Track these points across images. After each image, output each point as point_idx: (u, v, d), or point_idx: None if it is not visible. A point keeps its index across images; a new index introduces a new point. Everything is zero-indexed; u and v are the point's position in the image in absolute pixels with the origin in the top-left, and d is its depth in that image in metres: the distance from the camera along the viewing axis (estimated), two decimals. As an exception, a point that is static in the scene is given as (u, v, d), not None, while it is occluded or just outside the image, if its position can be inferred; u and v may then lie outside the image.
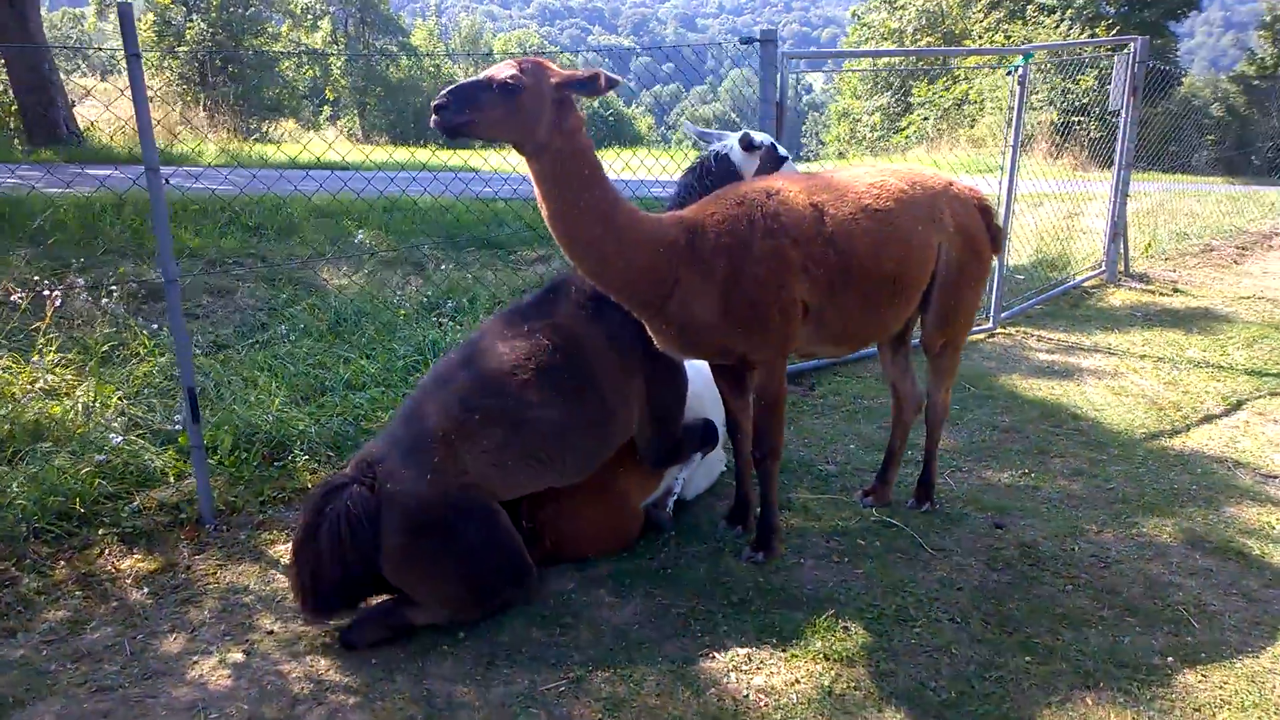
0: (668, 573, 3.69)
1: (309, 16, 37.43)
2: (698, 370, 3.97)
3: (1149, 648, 3.23)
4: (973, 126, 29.83)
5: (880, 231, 3.50)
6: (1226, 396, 5.92)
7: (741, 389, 3.90)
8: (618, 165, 6.22)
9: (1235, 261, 10.53)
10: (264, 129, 20.50)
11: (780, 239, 3.32)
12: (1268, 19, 34.47)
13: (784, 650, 3.18)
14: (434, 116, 2.87)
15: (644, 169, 6.34)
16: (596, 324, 3.52)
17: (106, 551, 3.61)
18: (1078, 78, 26.79)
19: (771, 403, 3.59)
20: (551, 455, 3.39)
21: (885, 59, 26.40)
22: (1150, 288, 9.16)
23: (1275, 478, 4.75)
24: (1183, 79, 28.86)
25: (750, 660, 3.13)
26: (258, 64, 25.96)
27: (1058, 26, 29.32)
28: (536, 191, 3.06)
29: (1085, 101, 26.76)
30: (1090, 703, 2.93)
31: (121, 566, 3.54)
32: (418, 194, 6.64)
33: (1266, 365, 6.61)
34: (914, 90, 33.06)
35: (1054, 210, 10.54)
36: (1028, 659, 3.15)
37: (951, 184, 3.86)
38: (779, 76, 5.43)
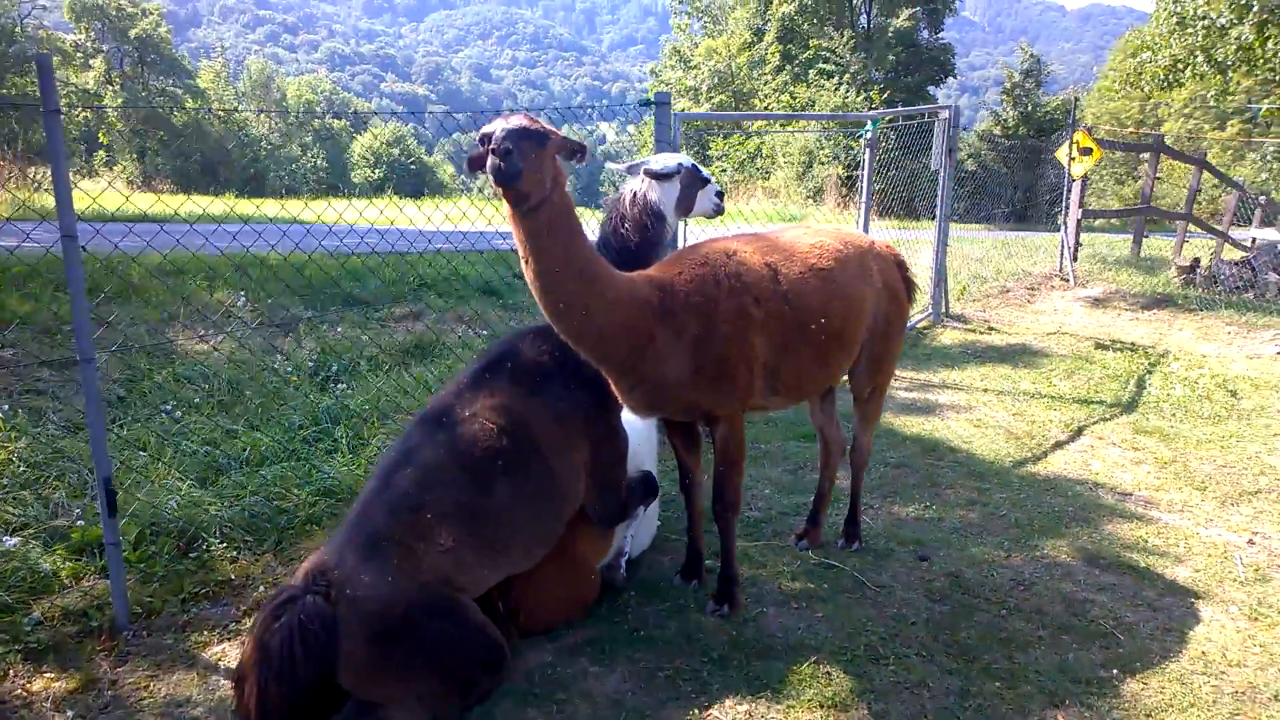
0: (641, 634, 3.62)
1: (79, 54, 34.21)
2: (630, 423, 3.94)
3: (1091, 662, 3.53)
4: (768, 179, 31.96)
5: (826, 289, 3.68)
6: (1067, 424, 6.64)
7: (694, 444, 3.94)
8: (432, 214, 6.09)
9: (1029, 301, 11.87)
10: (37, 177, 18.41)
11: (743, 297, 3.41)
12: (1008, 85, 39.46)
13: (779, 703, 3.20)
14: (497, 161, 2.69)
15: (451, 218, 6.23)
16: (538, 398, 3.38)
17: (12, 672, 3.04)
18: (858, 136, 29.35)
19: (734, 457, 3.64)
20: (509, 542, 3.22)
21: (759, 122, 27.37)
22: (970, 327, 10.13)
23: (1130, 495, 5.36)
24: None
25: (752, 717, 3.12)
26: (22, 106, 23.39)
27: (836, 89, 32.07)
28: (526, 249, 2.98)
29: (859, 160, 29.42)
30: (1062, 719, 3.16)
31: (34, 688, 3.00)
32: (264, 250, 6.20)
33: (1089, 393, 7.48)
34: (711, 144, 35.00)
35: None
36: (996, 684, 3.35)
37: (874, 243, 4.13)
38: (672, 134, 5.61)
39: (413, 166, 55.24)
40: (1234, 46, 23.45)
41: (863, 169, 7.41)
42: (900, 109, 9.68)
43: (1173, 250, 18.95)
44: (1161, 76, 27.39)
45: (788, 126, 24.69)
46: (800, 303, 3.57)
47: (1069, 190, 13.14)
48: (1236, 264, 12.71)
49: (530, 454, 3.27)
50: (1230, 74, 25.61)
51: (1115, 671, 3.47)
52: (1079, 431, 6.47)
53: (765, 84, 35.27)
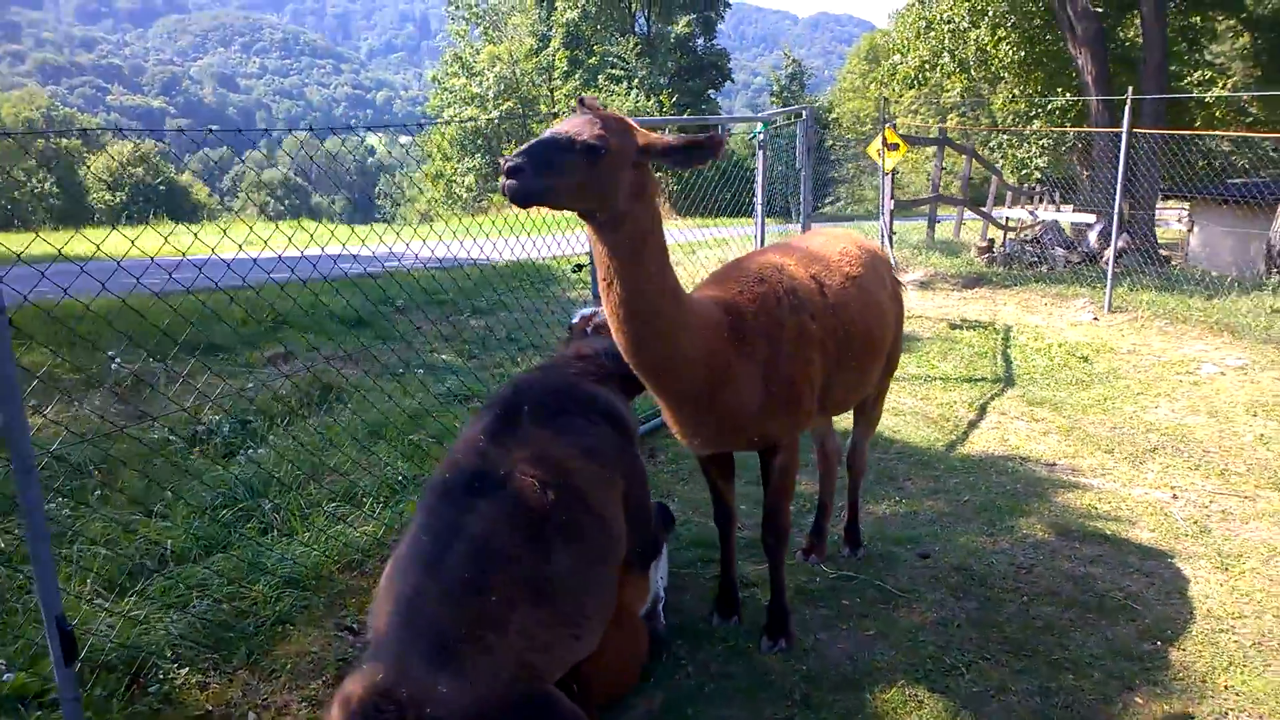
0: (710, 689, 3.34)
1: None
2: None
3: (1128, 637, 3.67)
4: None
5: (862, 298, 3.59)
6: (969, 403, 7.01)
7: (732, 475, 3.72)
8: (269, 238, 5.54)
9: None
10: None
11: (802, 314, 3.24)
12: (776, 88, 41.99)
13: (889, 736, 3.05)
14: (507, 181, 2.35)
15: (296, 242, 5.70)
16: (568, 438, 3.02)
17: None
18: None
19: (790, 483, 3.47)
20: (583, 609, 2.81)
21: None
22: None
23: (1055, 464, 5.71)
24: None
25: (873, 758, 2.95)
26: None
27: (628, 94, 32.60)
28: (606, 269, 2.63)
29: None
30: (1141, 701, 3.25)
31: None
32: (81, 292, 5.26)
33: (969, 371, 7.97)
34: (504, 151, 34.52)
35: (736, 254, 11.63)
36: (1069, 677, 3.40)
37: (875, 246, 4.09)
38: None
39: (161, 188, 50.31)
40: (973, 47, 26.17)
41: (758, 171, 7.45)
42: (783, 109, 9.79)
43: (952, 233, 20.95)
44: (912, 77, 30.12)
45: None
46: (845, 314, 3.45)
47: (882, 183, 14.01)
48: (1029, 242, 14.12)
49: (578, 504, 2.89)
50: (972, 72, 28.50)
51: (1157, 644, 3.63)
52: (982, 409, 6.85)
53: (555, 90, 35.21)
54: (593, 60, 35.48)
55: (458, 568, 2.54)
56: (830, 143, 45.47)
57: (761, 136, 7.38)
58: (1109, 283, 10.32)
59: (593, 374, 3.25)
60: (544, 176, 2.37)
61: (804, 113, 8.81)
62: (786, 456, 3.39)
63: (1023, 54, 23.21)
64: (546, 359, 3.26)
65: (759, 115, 8.10)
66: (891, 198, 14.27)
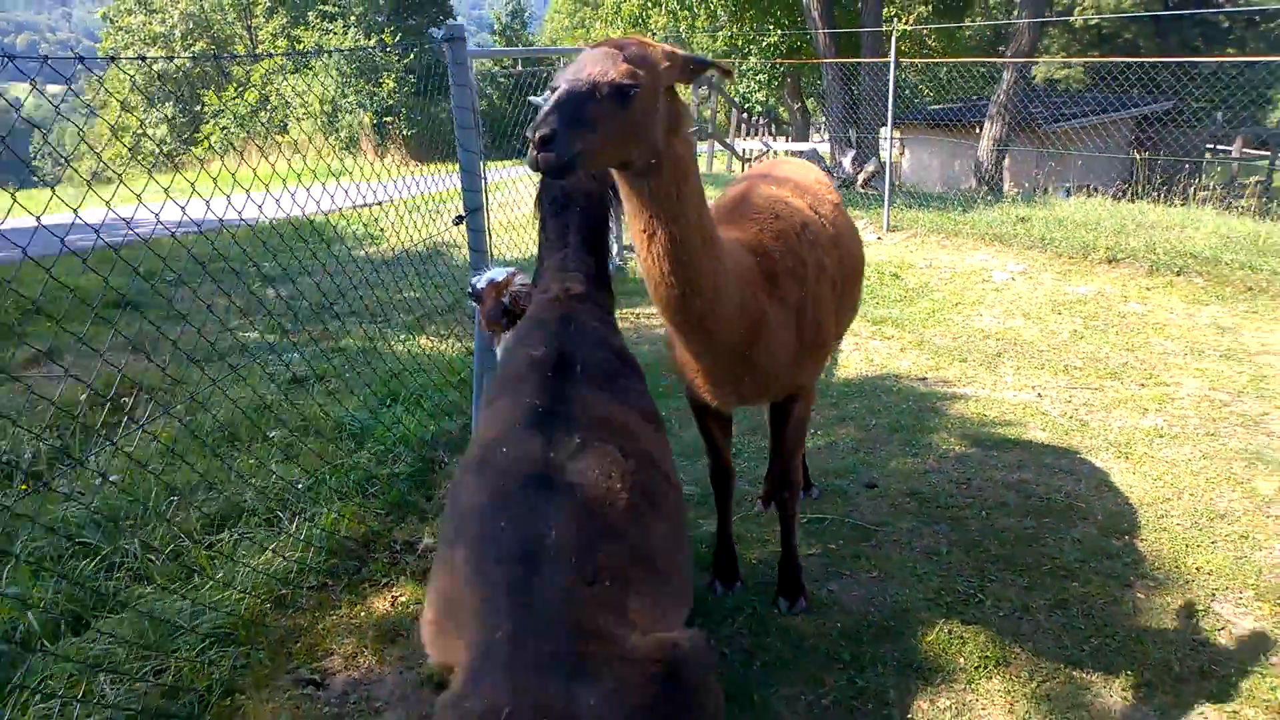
0: (759, 668, 3.02)
1: None
2: None
3: (1095, 536, 3.85)
4: (285, 132, 29.04)
5: (848, 225, 3.36)
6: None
7: (729, 431, 3.37)
8: None
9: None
10: None
11: (818, 250, 2.94)
12: (498, 27, 40.64)
13: (955, 681, 2.95)
14: (540, 154, 1.86)
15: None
16: (626, 400, 2.60)
17: None
18: (380, 80, 28.17)
19: (805, 433, 3.20)
20: (682, 581, 2.44)
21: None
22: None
23: (926, 378, 5.94)
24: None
25: (956, 707, 2.81)
26: None
27: (345, 32, 30.01)
28: (647, 220, 2.18)
29: (391, 103, 28.29)
30: (1144, 597, 3.41)
31: None
32: None
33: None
34: (204, 99, 30.66)
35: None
36: (1072, 584, 3.49)
37: None
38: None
39: None
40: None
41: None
42: (567, 48, 9.24)
43: (706, 166, 21.59)
44: (636, 15, 30.37)
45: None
46: (843, 245, 3.19)
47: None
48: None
49: (653, 467, 2.47)
50: (697, 10, 29.23)
51: (1123, 539, 3.82)
52: (856, 336, 6.97)
53: (257, 29, 31.64)
54: (297, -5, 32.22)
55: (561, 560, 2.01)
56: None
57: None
58: (886, 204, 11.00)
59: (601, 317, 2.76)
60: (578, 139, 1.88)
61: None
62: (805, 405, 3.11)
63: (738, -9, 24.09)
64: (542, 303, 2.66)
65: (570, 49, 7.56)
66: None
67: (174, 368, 5.35)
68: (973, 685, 2.93)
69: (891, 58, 10.27)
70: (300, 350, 5.24)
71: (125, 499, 3.60)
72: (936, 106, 23.02)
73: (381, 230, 9.79)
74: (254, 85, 27.84)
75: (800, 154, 16.10)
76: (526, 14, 42.91)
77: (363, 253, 9.12)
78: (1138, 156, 14.48)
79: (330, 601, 3.30)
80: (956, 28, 24.27)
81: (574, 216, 2.77)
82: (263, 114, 28.95)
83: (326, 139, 27.35)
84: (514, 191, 8.62)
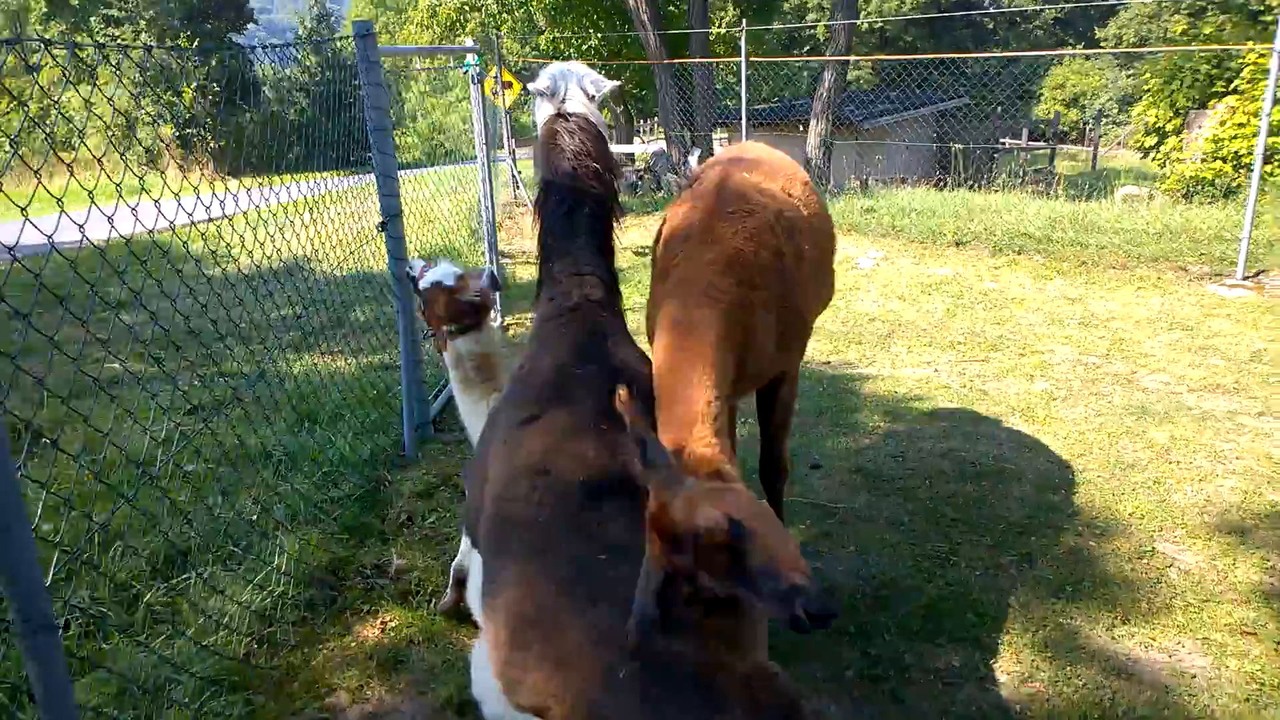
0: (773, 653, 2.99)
1: None
2: None
3: (1031, 494, 4.10)
4: (73, 150, 26.44)
5: (819, 204, 3.38)
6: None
7: (733, 420, 3.33)
8: None
9: (521, 229, 12.28)
10: None
11: (795, 238, 2.93)
12: (303, 33, 38.61)
13: (964, 644, 3.05)
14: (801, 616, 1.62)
15: None
16: None
17: None
18: (180, 91, 26.14)
19: (791, 416, 3.21)
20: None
21: None
22: (526, 259, 10.19)
23: (830, 361, 6.14)
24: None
25: (968, 664, 2.90)
26: None
27: (137, 36, 27.66)
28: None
29: (193, 114, 26.34)
30: (1096, 545, 3.65)
31: None
32: None
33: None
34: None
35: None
36: (1034, 540, 3.69)
37: None
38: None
39: None
40: (516, -11, 26.69)
41: (476, 108, 6.70)
42: (442, 48, 8.91)
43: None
44: (454, 19, 29.81)
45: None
46: (816, 227, 3.20)
47: (505, 122, 13.72)
48: (641, 172, 14.95)
49: None
50: (515, 15, 28.97)
51: (1059, 494, 4.09)
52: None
53: (40, 32, 28.55)
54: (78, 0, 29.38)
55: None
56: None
57: (474, 71, 6.66)
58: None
59: (623, 324, 2.64)
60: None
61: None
62: (791, 388, 3.12)
63: (557, -2, 24.22)
64: (562, 310, 2.48)
65: (467, 48, 7.30)
66: (512, 137, 14.08)
67: (51, 408, 4.72)
68: (976, 641, 3.04)
69: (742, 58, 10.59)
70: (179, 379, 4.75)
71: (48, 548, 3.11)
72: (760, 106, 24.00)
73: (229, 247, 9.07)
74: (31, 98, 25.16)
75: (652, 155, 16.33)
76: (333, 18, 41.13)
77: (216, 271, 8.40)
78: (955, 147, 15.71)
79: (315, 636, 3.00)
80: (803, 27, 25.40)
81: (583, 219, 2.62)
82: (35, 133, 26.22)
83: (121, 155, 25.06)
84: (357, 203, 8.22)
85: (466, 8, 28.70)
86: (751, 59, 10.80)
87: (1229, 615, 3.14)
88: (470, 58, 6.73)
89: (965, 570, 3.46)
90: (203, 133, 26.00)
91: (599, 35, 23.26)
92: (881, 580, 3.40)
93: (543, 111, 2.76)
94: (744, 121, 11.26)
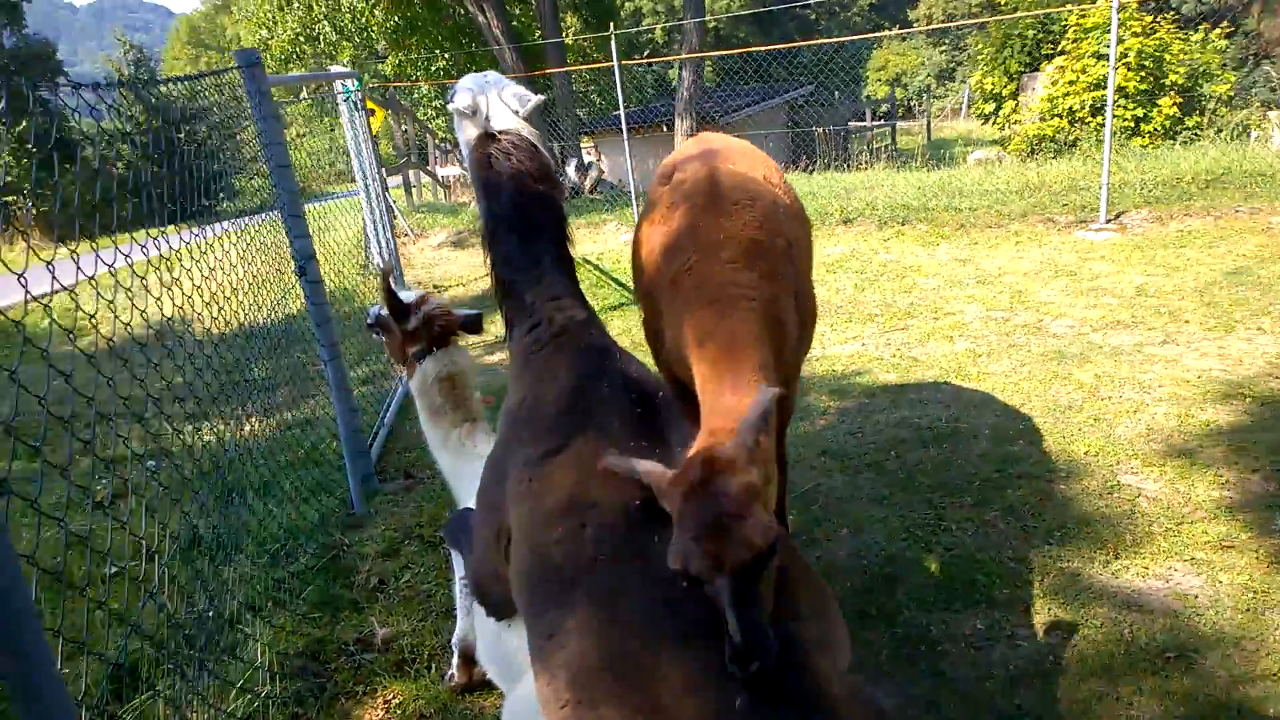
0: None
1: None
2: None
3: (988, 449, 4.23)
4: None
5: (794, 192, 3.35)
6: (626, 330, 7.15)
7: None
8: None
9: (418, 256, 11.88)
10: None
11: (792, 224, 2.91)
12: (122, 79, 36.31)
13: (976, 603, 3.10)
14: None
15: None
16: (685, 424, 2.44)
17: None
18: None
19: (793, 410, 3.19)
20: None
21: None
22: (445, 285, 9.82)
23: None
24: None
25: (999, 624, 2.96)
26: None
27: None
28: None
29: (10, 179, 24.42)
30: (1065, 489, 3.80)
31: None
32: None
33: (598, 300, 8.12)
34: None
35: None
36: (1001, 493, 3.79)
37: None
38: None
39: None
40: (348, 16, 25.90)
41: (358, 133, 6.39)
42: (307, 75, 8.53)
43: (416, 195, 20.98)
44: (289, 51, 28.70)
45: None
46: (799, 210, 3.18)
47: (372, 152, 13.27)
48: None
49: None
50: (355, 39, 28.10)
51: (1015, 444, 4.25)
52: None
53: None
54: None
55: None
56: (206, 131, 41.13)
57: (356, 96, 6.38)
58: (634, 203, 11.35)
59: (604, 337, 2.53)
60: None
61: (351, 81, 7.82)
62: (797, 382, 3.10)
63: (397, 19, 23.75)
64: (544, 339, 2.34)
65: (346, 73, 6.98)
66: (381, 166, 13.62)
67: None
68: (991, 601, 3.10)
69: (615, 62, 10.60)
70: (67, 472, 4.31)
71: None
72: (617, 112, 24.17)
73: (85, 317, 8.39)
74: None
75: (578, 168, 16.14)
76: (150, 62, 38.78)
77: (69, 349, 7.72)
78: (817, 131, 16.27)
79: (316, 730, 2.75)
80: (676, 25, 25.53)
81: (542, 245, 2.45)
82: None
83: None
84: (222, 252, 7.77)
85: (301, 39, 27.58)
86: (624, 63, 10.83)
87: (1205, 533, 3.33)
88: (350, 83, 6.45)
89: (958, 533, 3.54)
90: (21, 199, 24.10)
91: (446, 56, 22.87)
92: (885, 558, 3.43)
93: (467, 132, 2.58)
94: (624, 126, 11.26)
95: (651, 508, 1.94)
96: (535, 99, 2.57)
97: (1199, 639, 2.79)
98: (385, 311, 3.09)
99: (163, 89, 3.80)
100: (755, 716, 1.61)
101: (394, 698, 2.88)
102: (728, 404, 2.07)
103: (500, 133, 2.46)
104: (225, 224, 4.35)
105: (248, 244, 4.19)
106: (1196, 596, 2.99)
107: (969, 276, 7.38)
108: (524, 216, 2.42)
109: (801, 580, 1.90)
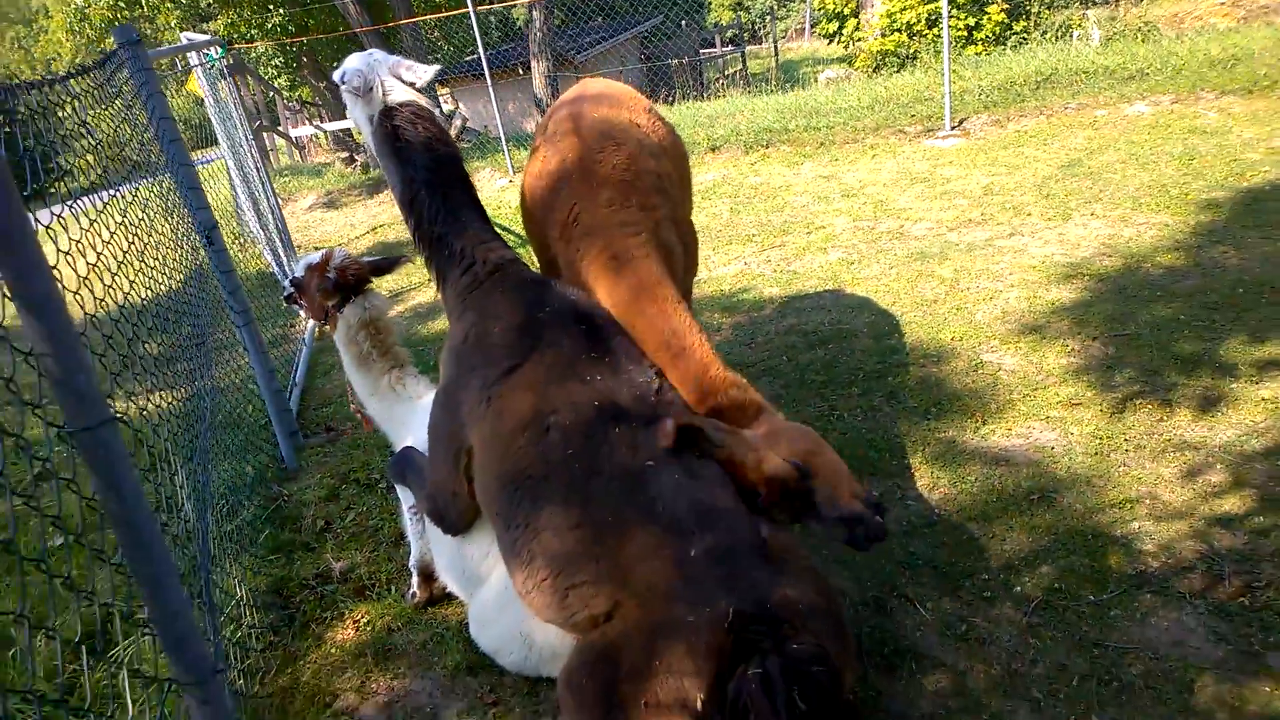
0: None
1: None
2: None
3: (874, 347, 4.64)
4: None
5: (670, 129, 3.49)
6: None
7: None
8: None
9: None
10: None
11: (661, 159, 3.06)
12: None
13: (900, 479, 3.49)
14: None
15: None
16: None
17: None
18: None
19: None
20: None
21: None
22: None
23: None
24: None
25: (908, 495, 3.36)
26: None
27: None
28: None
29: None
30: (945, 374, 4.24)
31: None
32: None
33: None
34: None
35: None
36: (889, 381, 4.21)
37: None
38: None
39: None
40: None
41: (222, 106, 6.15)
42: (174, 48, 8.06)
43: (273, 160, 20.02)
44: (108, 18, 26.60)
45: None
46: (670, 145, 3.38)
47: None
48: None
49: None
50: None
51: (895, 340, 4.67)
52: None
53: None
54: None
55: (709, 479, 2.09)
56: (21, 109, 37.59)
57: (222, 64, 6.14)
58: (504, 147, 11.29)
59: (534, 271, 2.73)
60: None
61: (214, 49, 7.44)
62: (689, 301, 3.34)
63: (223, -24, 22.31)
64: (482, 276, 2.49)
65: (210, 40, 6.64)
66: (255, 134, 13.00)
67: None
68: (881, 469, 3.49)
69: (471, 8, 10.42)
70: None
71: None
72: (469, 58, 23.57)
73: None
74: None
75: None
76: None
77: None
78: (673, 63, 16.41)
79: (292, 655, 2.92)
80: None
81: (459, 199, 2.63)
82: None
83: None
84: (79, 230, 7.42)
85: (121, 4, 25.50)
86: (478, 8, 10.64)
87: (1057, 395, 3.83)
88: (215, 50, 6.19)
89: (849, 419, 3.93)
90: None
91: (282, 12, 21.63)
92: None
93: (362, 111, 2.68)
94: (487, 71, 11.10)
95: (609, 406, 2.18)
96: (430, 70, 2.71)
97: (1057, 481, 3.26)
98: (300, 274, 3.18)
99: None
100: (710, 566, 1.90)
101: (361, 618, 3.07)
102: (669, 334, 2.33)
103: (399, 105, 2.60)
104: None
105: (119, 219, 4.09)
106: (1053, 448, 3.47)
107: (834, 191, 7.82)
108: (440, 177, 2.60)
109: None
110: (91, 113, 2.77)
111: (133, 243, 2.85)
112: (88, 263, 2.28)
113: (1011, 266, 5.33)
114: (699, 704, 1.77)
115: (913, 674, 2.50)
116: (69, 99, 2.54)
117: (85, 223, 2.36)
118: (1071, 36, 13.39)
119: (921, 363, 4.33)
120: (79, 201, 2.39)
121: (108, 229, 2.59)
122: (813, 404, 4.12)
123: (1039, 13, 14.49)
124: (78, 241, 2.20)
